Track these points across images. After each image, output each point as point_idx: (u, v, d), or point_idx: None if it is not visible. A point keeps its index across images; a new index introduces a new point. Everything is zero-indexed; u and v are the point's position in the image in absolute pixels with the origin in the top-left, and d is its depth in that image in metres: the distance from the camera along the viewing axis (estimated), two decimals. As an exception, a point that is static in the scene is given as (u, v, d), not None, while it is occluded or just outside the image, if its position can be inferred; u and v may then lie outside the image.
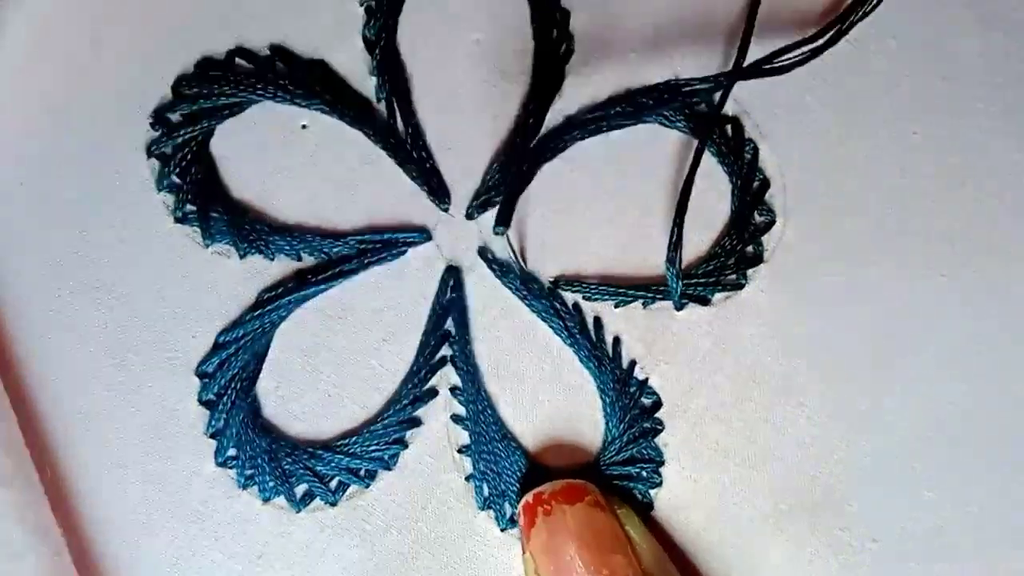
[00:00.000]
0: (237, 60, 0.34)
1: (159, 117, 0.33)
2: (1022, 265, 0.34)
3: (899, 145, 0.34)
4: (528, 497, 0.32)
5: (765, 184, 0.34)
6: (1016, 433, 0.34)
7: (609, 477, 0.34)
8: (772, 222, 0.34)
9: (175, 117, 0.34)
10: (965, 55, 0.34)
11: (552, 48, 0.34)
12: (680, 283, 0.32)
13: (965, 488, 0.33)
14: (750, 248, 0.34)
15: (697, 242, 0.34)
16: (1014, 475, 0.33)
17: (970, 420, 0.33)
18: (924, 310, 0.34)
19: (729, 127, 0.34)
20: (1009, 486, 0.33)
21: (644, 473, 0.34)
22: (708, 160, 0.34)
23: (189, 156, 0.33)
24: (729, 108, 0.34)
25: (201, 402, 0.34)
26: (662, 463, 0.34)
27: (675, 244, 0.32)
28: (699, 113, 0.34)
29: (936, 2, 0.34)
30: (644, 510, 0.34)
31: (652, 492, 0.34)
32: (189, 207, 0.33)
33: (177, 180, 0.33)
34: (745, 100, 0.34)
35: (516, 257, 0.34)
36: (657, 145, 0.34)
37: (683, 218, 0.32)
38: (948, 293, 0.34)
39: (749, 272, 0.34)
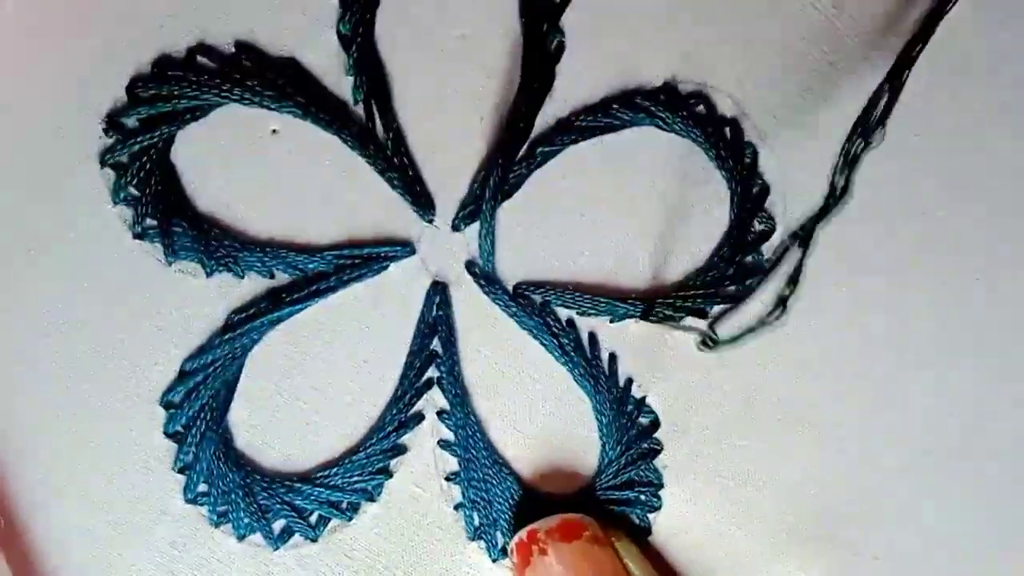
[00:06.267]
0: (199, 58, 0.32)
1: (113, 122, 0.32)
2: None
3: (901, 148, 0.33)
4: (522, 534, 0.31)
5: (765, 190, 0.33)
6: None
7: (606, 502, 0.33)
8: (772, 230, 0.33)
9: (131, 122, 0.32)
10: (970, 54, 0.33)
11: (542, 45, 0.32)
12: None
13: (971, 502, 0.33)
14: (750, 258, 0.33)
15: (694, 252, 0.33)
16: (1021, 489, 0.33)
17: (978, 435, 0.33)
18: (933, 321, 0.33)
19: (728, 129, 0.33)
20: (1016, 500, 0.33)
21: (643, 497, 0.33)
22: (705, 165, 0.33)
23: (148, 165, 0.32)
24: (727, 109, 0.33)
25: (167, 434, 0.32)
26: (661, 486, 0.33)
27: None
28: (698, 116, 0.33)
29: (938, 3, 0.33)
30: (642, 534, 0.33)
31: (650, 516, 0.33)
32: (149, 221, 0.32)
33: (135, 192, 0.32)
34: (743, 101, 0.33)
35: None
36: (653, 149, 0.33)
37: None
38: (956, 303, 0.33)
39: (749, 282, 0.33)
